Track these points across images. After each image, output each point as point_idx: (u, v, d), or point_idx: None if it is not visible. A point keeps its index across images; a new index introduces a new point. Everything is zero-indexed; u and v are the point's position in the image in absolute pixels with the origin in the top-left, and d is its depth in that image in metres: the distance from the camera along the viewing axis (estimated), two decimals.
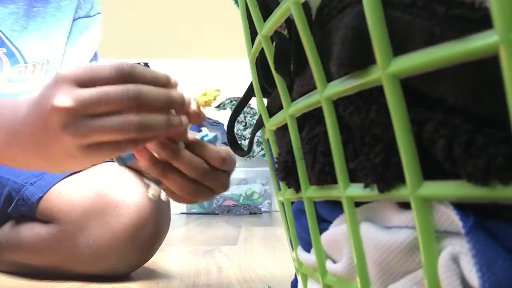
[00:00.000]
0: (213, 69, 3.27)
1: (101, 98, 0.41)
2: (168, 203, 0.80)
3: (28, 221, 0.76)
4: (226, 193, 2.05)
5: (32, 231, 0.75)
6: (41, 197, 0.73)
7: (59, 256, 0.73)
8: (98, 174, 0.74)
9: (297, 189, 0.27)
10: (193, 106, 0.49)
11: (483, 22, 0.16)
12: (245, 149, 0.39)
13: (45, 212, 0.73)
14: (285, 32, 0.28)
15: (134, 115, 0.41)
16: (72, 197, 0.72)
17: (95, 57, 0.98)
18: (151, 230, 0.72)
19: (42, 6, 0.88)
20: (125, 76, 0.42)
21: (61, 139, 0.42)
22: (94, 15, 0.96)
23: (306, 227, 0.26)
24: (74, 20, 0.93)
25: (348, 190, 0.22)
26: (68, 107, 0.41)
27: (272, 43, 0.27)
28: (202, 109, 0.50)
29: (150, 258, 0.78)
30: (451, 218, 0.19)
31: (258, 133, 0.36)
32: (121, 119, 0.41)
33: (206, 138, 0.55)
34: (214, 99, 0.51)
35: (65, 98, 0.41)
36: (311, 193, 0.25)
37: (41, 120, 0.43)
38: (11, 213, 0.77)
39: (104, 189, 0.71)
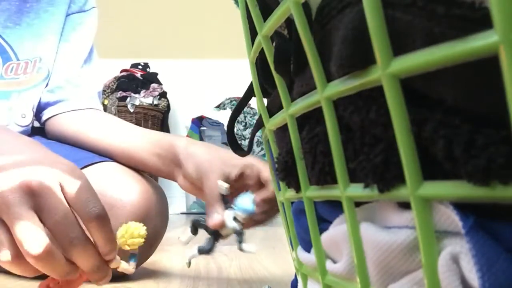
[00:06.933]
0: (213, 69, 3.27)
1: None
2: (166, 202, 0.80)
3: None
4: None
5: None
6: None
7: None
8: (93, 173, 0.74)
9: (297, 189, 0.27)
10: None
11: (483, 22, 0.16)
12: (245, 149, 0.39)
13: None
14: (285, 32, 0.28)
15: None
16: None
17: (90, 52, 0.95)
18: (148, 229, 0.72)
19: (35, 2, 0.87)
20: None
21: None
22: (89, 9, 0.94)
23: (306, 227, 0.26)
24: (67, 15, 0.91)
25: (348, 190, 0.22)
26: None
27: (272, 43, 0.27)
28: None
29: (148, 257, 0.78)
30: (451, 218, 0.19)
31: (258, 133, 0.36)
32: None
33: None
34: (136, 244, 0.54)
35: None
36: (311, 193, 0.25)
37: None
38: None
39: (100, 189, 0.71)
